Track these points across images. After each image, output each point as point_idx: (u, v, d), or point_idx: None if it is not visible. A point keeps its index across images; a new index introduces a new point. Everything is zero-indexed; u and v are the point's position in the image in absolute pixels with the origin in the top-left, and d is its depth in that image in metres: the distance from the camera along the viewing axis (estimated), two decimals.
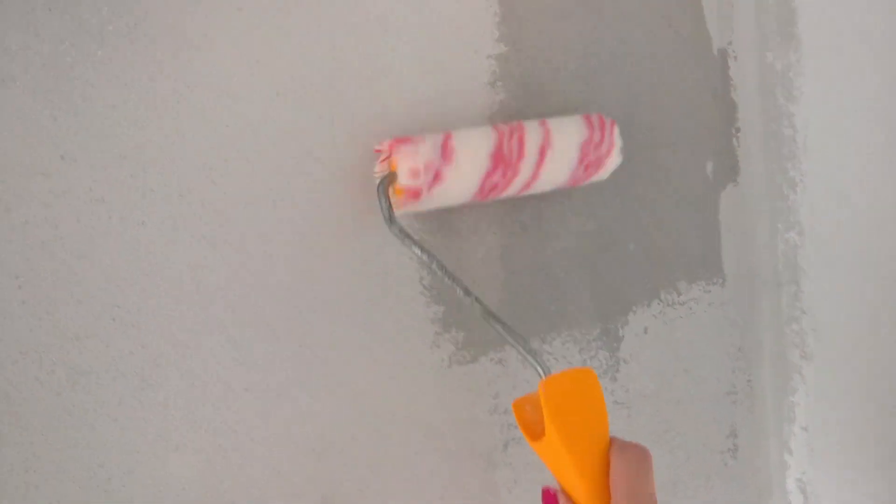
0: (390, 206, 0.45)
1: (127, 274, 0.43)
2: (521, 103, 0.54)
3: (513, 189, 0.50)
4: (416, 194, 0.45)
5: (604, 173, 0.54)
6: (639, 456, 0.39)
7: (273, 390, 0.47)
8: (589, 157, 0.52)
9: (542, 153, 0.49)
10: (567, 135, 0.51)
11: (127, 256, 0.42)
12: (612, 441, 0.41)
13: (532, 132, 0.49)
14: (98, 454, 0.43)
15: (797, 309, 0.64)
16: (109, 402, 0.43)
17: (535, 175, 0.50)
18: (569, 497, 0.41)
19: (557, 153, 0.50)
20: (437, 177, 0.46)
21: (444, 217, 0.52)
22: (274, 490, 0.47)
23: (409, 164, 0.45)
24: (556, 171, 0.51)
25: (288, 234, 0.47)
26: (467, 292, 0.45)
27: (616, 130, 0.53)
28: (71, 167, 0.41)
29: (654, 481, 0.39)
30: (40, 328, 0.41)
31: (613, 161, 0.54)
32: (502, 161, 0.48)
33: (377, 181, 0.45)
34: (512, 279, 0.55)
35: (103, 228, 0.42)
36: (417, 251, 0.44)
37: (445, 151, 0.46)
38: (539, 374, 0.43)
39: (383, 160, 0.46)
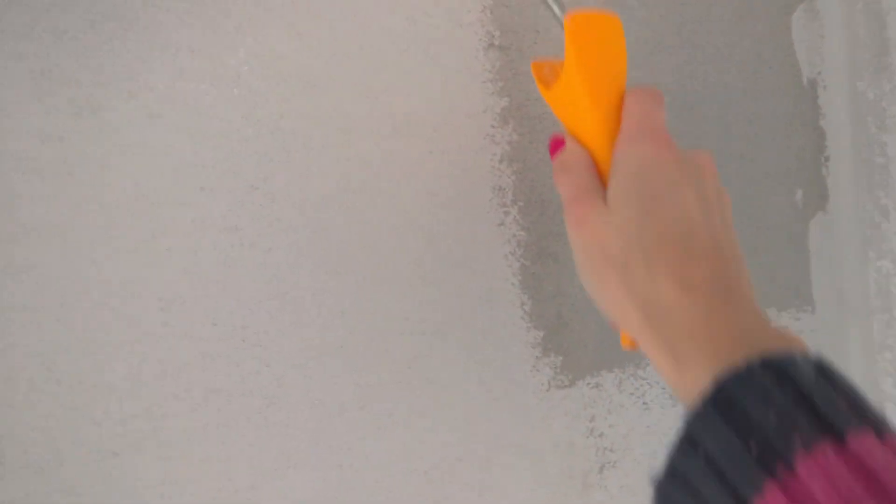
0: None
1: (255, 298, 0.45)
2: None
3: None
4: None
5: None
6: (652, 94, 0.38)
7: (386, 412, 0.48)
8: None
9: None
10: None
11: (256, 281, 0.44)
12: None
13: None
14: (227, 467, 0.45)
15: (890, 337, 0.63)
16: (238, 419, 0.45)
17: None
18: (577, 139, 0.40)
19: None
20: None
21: (544, 242, 0.53)
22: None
23: None
24: None
25: (403, 262, 0.48)
26: None
27: None
28: (209, 197, 0.43)
29: (664, 120, 0.38)
30: (179, 348, 0.43)
31: None
32: None
33: None
34: None
35: (236, 255, 0.44)
36: None
37: None
38: (559, 17, 0.40)
39: None
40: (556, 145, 0.40)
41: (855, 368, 0.65)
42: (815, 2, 0.62)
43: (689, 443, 0.30)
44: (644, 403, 0.57)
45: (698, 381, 0.32)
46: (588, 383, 0.55)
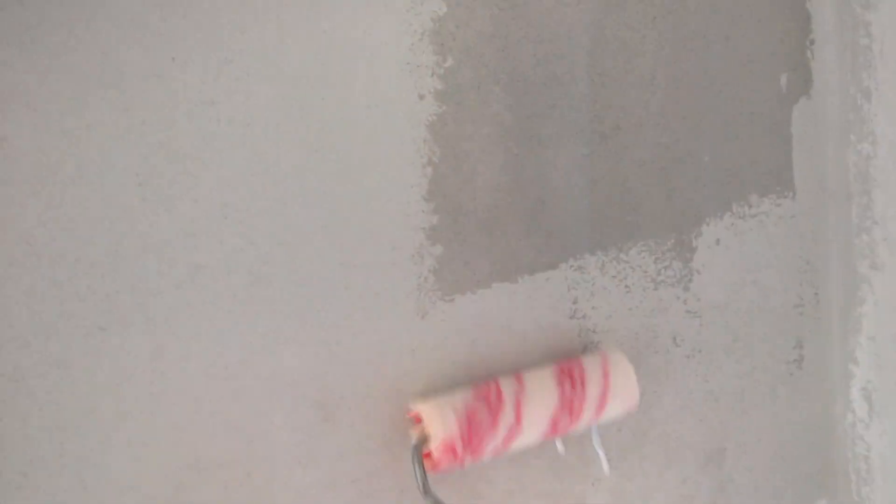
0: (425, 475, 0.45)
1: (236, 174, 0.44)
2: None
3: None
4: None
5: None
6: None
7: (372, 292, 0.48)
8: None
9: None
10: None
11: (236, 157, 0.44)
12: None
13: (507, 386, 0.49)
14: (216, 345, 0.45)
15: (868, 220, 0.63)
16: (224, 296, 0.45)
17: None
18: None
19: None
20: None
21: (526, 124, 0.52)
22: (378, 385, 0.49)
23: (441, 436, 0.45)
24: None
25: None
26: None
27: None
28: (182, 70, 0.42)
29: None
30: (159, 224, 0.43)
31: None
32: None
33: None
34: (591, 189, 0.55)
35: (213, 129, 0.43)
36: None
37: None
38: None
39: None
40: None
41: (833, 252, 0.66)
42: None
43: None
44: (626, 287, 0.58)
45: None
46: (571, 266, 0.56)
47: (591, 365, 0.52)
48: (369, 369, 0.49)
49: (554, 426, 0.49)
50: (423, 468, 0.45)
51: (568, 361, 0.52)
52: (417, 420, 0.47)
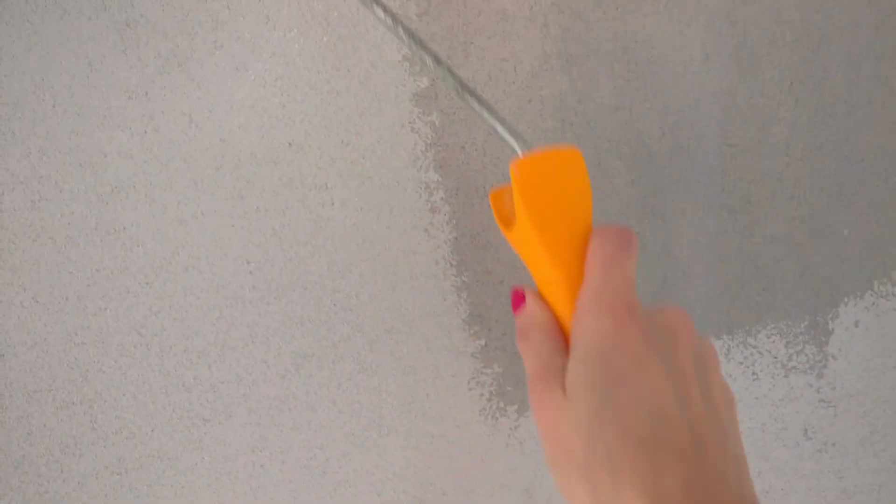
0: None
1: (346, 260, 0.42)
2: None
3: None
4: None
5: None
6: (621, 237, 0.32)
7: (477, 379, 0.45)
8: None
9: None
10: None
11: (347, 242, 0.42)
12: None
13: None
14: (318, 436, 0.43)
15: None
16: (329, 386, 0.43)
17: None
18: (540, 292, 0.34)
19: None
20: None
21: (650, 200, 0.48)
22: (481, 479, 0.46)
23: None
24: None
25: None
26: (438, 61, 0.35)
27: None
28: (298, 154, 0.40)
29: (634, 267, 0.32)
30: (268, 313, 0.41)
31: None
32: None
33: None
34: (718, 267, 0.51)
35: (326, 214, 0.41)
36: (381, 13, 0.34)
37: None
38: (517, 153, 0.34)
39: None
40: (517, 300, 0.35)
41: None
42: None
43: None
44: (754, 373, 0.53)
45: None
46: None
47: None
48: (473, 464, 0.46)
49: None
50: None
51: None
52: None
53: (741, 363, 0.52)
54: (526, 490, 0.47)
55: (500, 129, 0.34)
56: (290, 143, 0.40)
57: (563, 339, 0.33)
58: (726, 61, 0.48)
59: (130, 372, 0.39)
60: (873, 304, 0.56)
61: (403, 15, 0.40)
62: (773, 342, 0.53)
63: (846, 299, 0.55)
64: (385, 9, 0.35)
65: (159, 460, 0.40)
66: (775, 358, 0.53)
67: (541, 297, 0.34)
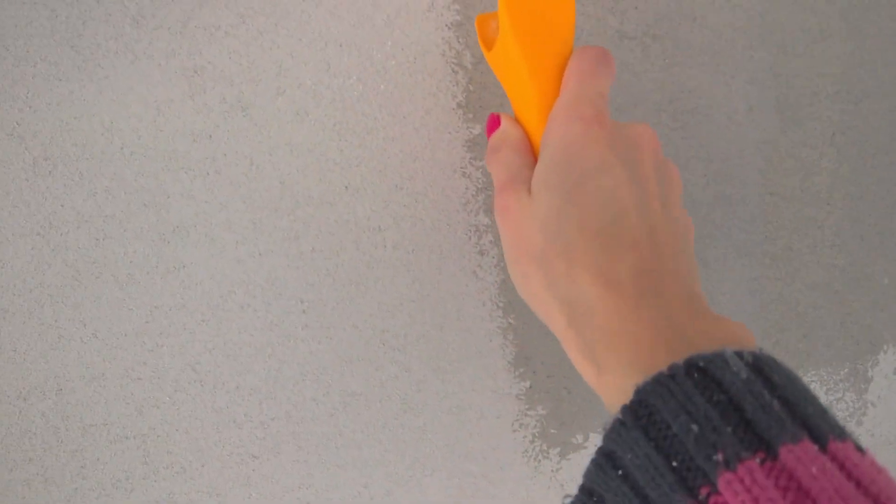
0: None
1: (396, 300, 0.42)
2: None
3: None
4: None
5: None
6: (598, 55, 0.32)
7: (520, 417, 0.45)
8: None
9: None
10: None
11: (397, 283, 0.42)
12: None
13: None
14: (363, 474, 0.43)
15: None
16: (374, 425, 0.42)
17: None
18: (516, 117, 0.35)
19: None
20: None
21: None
22: None
23: None
24: None
25: None
26: None
27: None
28: (353, 197, 0.40)
29: (608, 85, 0.33)
30: (319, 352, 0.41)
31: None
32: None
33: None
34: (759, 314, 0.50)
35: (378, 256, 0.41)
36: None
37: None
38: None
39: None
40: (493, 124, 0.36)
41: None
42: None
43: (607, 459, 0.26)
44: None
45: (620, 390, 0.27)
46: None
47: None
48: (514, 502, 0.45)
49: None
50: None
51: None
52: None
53: None
54: None
55: None
56: (346, 187, 0.40)
57: (532, 155, 0.33)
58: (769, 112, 0.48)
59: (184, 408, 0.39)
60: None
61: None
62: (814, 389, 0.52)
63: (885, 347, 0.55)
64: None
65: (208, 496, 0.40)
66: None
67: (516, 120, 0.34)
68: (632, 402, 0.26)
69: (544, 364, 0.45)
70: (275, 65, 0.37)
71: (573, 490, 0.46)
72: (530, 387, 0.45)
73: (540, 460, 0.46)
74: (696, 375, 0.25)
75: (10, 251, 0.36)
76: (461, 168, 0.41)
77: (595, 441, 0.47)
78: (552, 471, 0.46)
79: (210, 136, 0.38)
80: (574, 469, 0.46)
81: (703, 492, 0.23)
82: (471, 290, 0.43)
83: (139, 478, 0.39)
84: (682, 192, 0.34)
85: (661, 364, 0.26)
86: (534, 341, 0.44)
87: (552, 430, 0.46)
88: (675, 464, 0.24)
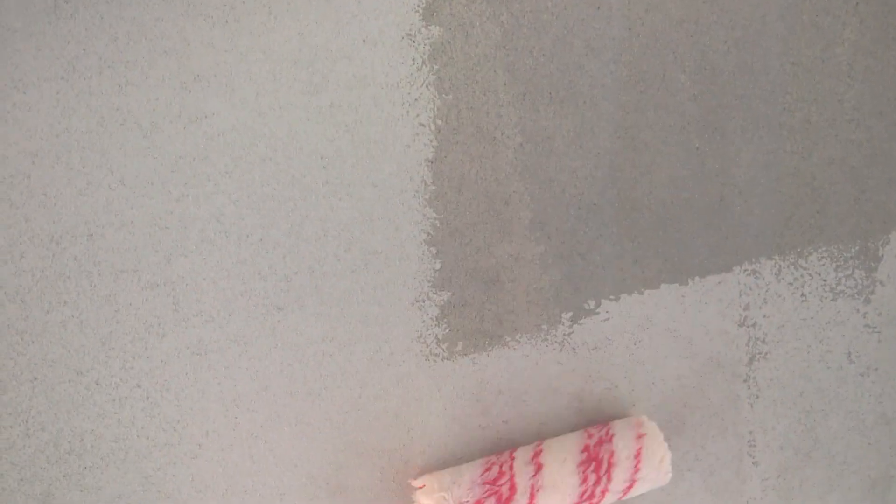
0: None
1: (413, 162, 0.42)
2: None
3: None
4: None
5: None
6: None
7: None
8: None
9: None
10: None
11: (414, 143, 0.42)
12: None
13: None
14: (384, 330, 0.43)
15: None
16: (395, 283, 0.43)
17: None
18: None
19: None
20: None
21: (711, 116, 0.47)
22: (534, 382, 0.46)
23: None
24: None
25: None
26: None
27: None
28: (371, 51, 0.40)
29: None
30: (340, 208, 0.41)
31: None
32: None
33: None
34: (775, 187, 0.50)
35: (397, 114, 0.41)
36: None
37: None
38: None
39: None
40: None
41: None
42: None
43: None
44: (802, 295, 0.52)
45: None
46: (745, 269, 0.50)
47: (621, 443, 0.45)
48: (528, 367, 0.46)
49: None
50: None
51: (597, 440, 0.45)
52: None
53: (790, 284, 0.52)
54: (576, 395, 0.48)
55: None
56: (363, 40, 0.40)
57: None
58: None
59: (210, 258, 0.40)
60: None
61: None
62: (824, 265, 0.52)
63: None
64: None
65: (236, 344, 0.41)
66: (824, 281, 0.52)
67: None
68: None
69: (558, 230, 0.45)
70: None
71: (585, 354, 0.46)
72: (544, 251, 0.45)
73: (553, 324, 0.46)
74: None
75: (35, 95, 0.36)
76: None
77: (606, 307, 0.47)
78: (564, 335, 0.47)
79: None
80: (585, 334, 0.47)
81: None
82: (487, 153, 0.43)
83: (171, 324, 0.40)
84: None
85: None
86: (548, 208, 0.44)
87: (565, 296, 0.46)
88: None
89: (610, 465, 0.45)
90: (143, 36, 0.36)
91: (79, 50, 0.36)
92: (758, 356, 0.52)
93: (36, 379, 0.38)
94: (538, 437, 0.47)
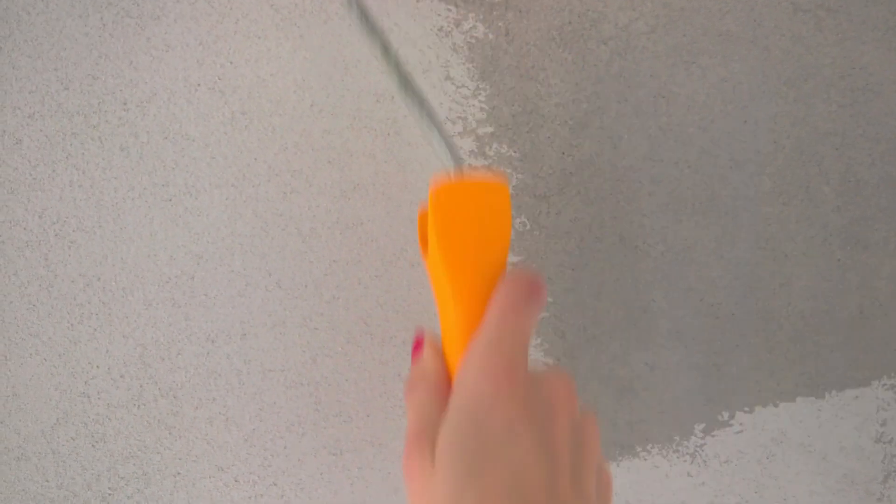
0: None
1: None
2: None
3: None
4: None
5: None
6: (529, 287, 0.28)
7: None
8: None
9: None
10: None
11: None
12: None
13: None
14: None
15: None
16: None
17: None
18: (442, 335, 0.30)
19: None
20: None
21: (854, 228, 0.45)
22: None
23: None
24: None
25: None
26: (386, 49, 0.30)
27: None
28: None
29: (534, 320, 0.28)
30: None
31: None
32: None
33: None
34: None
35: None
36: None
37: None
38: (447, 170, 0.30)
39: None
40: (417, 347, 0.31)
41: None
42: None
43: None
44: None
45: None
46: (883, 384, 0.47)
47: None
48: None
49: None
50: None
51: None
52: None
53: None
54: None
55: (436, 138, 0.29)
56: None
57: (447, 396, 0.29)
58: None
59: (354, 359, 0.39)
60: None
61: (629, 29, 0.39)
62: None
63: None
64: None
65: (371, 446, 0.40)
66: None
67: (438, 346, 0.30)
68: None
69: (695, 339, 0.43)
70: None
71: (716, 467, 0.43)
72: (680, 360, 0.43)
73: (685, 435, 0.44)
74: None
75: (206, 201, 0.36)
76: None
77: (741, 419, 0.44)
78: (696, 446, 0.44)
79: (392, 98, 0.37)
80: (718, 446, 0.44)
81: None
82: (628, 261, 0.42)
83: (310, 423, 0.39)
84: (599, 451, 0.29)
85: None
86: (686, 317, 0.43)
87: (699, 406, 0.44)
88: None
89: None
90: (311, 146, 0.37)
91: (250, 159, 0.36)
92: (893, 474, 0.48)
93: (179, 474, 0.38)
94: None
